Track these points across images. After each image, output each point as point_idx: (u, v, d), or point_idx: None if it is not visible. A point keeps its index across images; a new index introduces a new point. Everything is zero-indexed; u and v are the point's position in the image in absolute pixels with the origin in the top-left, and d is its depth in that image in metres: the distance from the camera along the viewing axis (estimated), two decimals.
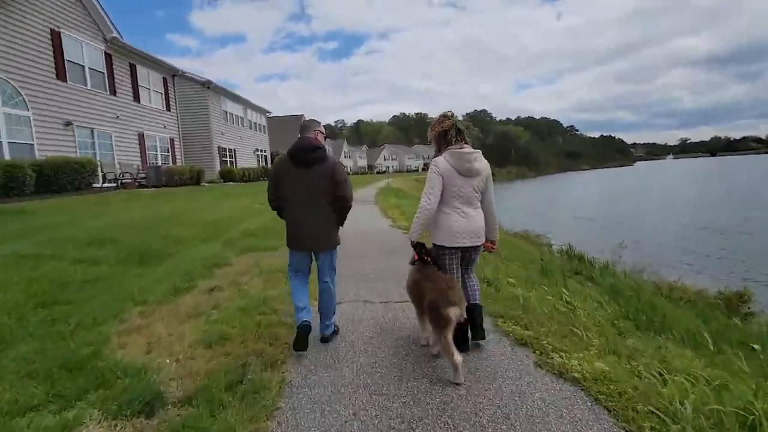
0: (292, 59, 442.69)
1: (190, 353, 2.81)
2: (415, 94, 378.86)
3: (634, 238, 13.94)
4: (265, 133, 31.76)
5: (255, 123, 29.70)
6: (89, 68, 13.88)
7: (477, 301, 2.93)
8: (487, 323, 3.16)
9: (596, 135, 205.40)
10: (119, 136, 15.29)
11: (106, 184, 13.43)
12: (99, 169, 13.27)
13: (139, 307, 3.72)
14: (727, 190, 32.94)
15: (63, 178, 10.72)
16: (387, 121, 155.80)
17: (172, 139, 19.00)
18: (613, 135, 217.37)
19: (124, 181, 13.99)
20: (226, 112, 24.78)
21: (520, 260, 8.35)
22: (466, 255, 2.90)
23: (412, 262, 2.97)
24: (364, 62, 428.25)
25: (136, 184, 14.36)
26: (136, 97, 16.58)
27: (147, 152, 16.98)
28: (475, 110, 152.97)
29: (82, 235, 5.96)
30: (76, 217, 7.63)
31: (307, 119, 3.06)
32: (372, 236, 8.21)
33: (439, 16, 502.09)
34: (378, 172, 68.86)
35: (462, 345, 2.67)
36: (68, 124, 12.78)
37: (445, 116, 2.81)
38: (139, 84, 16.79)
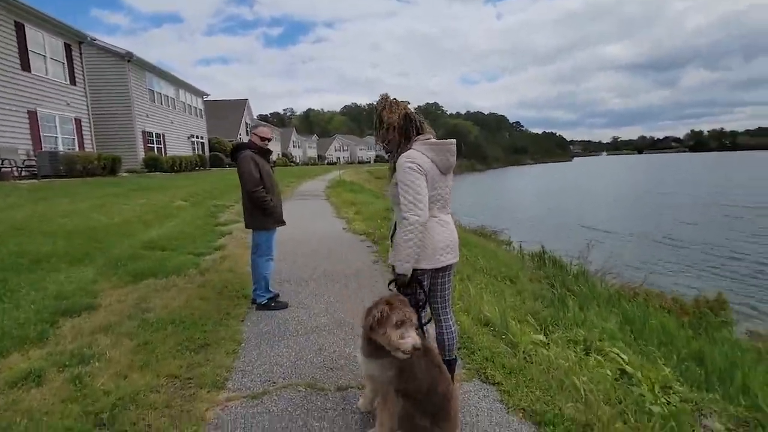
0: (234, 43, 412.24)
1: None
2: (363, 84, 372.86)
3: (589, 234, 13.61)
4: (202, 117, 28.34)
5: (190, 106, 26.30)
6: None
7: (454, 356, 2.29)
8: None
9: (539, 131, 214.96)
10: None
11: None
12: None
13: None
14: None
15: None
16: (338, 110, 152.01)
17: (78, 120, 15.66)
18: (554, 132, 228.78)
19: (2, 170, 10.92)
20: (153, 91, 21.35)
21: (498, 270, 6.97)
22: (438, 279, 2.23)
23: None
24: (311, 50, 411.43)
25: (20, 173, 11.31)
26: (25, 65, 13.21)
27: (42, 135, 13.69)
28: (427, 103, 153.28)
29: None
30: None
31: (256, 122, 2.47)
32: (316, 246, 6.37)
33: (384, 8, 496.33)
34: (329, 163, 65.72)
35: None
36: None
37: (387, 97, 2.15)
38: (30, 49, 13.40)
